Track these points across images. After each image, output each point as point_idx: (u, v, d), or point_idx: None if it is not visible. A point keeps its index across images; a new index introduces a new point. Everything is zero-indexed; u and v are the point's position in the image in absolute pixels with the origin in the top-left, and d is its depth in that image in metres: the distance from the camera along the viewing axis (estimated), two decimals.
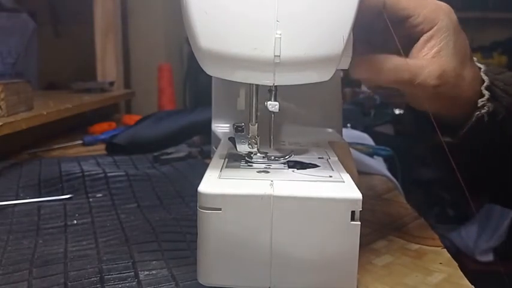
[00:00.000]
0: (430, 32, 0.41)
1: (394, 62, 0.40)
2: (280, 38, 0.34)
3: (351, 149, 0.54)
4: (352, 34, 0.36)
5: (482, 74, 0.44)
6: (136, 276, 0.38)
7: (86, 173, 0.64)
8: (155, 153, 0.77)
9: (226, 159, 0.42)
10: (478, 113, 0.43)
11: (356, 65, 0.40)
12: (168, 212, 0.53)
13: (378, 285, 0.38)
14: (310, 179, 0.37)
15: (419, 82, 0.39)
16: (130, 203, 0.56)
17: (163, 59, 1.58)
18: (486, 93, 0.43)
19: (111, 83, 1.30)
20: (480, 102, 0.43)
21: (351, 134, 0.97)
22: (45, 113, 0.80)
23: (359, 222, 0.33)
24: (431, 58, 0.40)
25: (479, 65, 0.45)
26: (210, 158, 0.48)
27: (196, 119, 0.89)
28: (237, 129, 0.40)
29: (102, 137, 0.95)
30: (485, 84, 0.43)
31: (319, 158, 0.43)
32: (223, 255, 0.34)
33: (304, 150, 0.46)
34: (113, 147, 0.83)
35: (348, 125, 1.17)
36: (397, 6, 0.41)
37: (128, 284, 0.36)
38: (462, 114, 0.43)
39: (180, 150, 0.79)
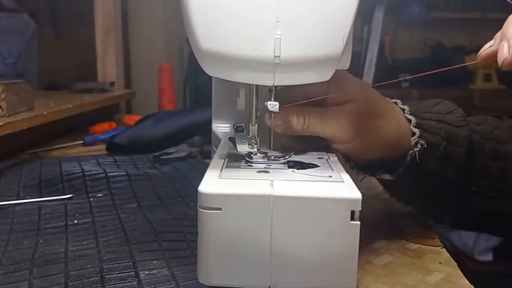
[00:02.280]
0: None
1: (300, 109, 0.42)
2: (280, 38, 0.34)
3: None
4: (351, 34, 0.36)
5: (406, 115, 0.47)
6: (137, 275, 0.38)
7: (86, 173, 0.64)
8: (155, 153, 0.77)
9: (227, 159, 0.42)
10: (412, 151, 0.45)
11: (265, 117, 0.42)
12: (169, 212, 0.53)
13: (377, 285, 0.38)
14: (310, 179, 0.37)
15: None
16: (131, 203, 0.56)
17: (164, 60, 1.58)
18: (416, 130, 0.46)
19: (112, 83, 1.31)
20: (412, 140, 0.45)
21: None
22: (45, 113, 0.81)
23: (359, 222, 0.33)
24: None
25: (402, 106, 0.48)
26: (210, 158, 0.49)
27: (197, 119, 0.89)
28: (237, 129, 0.40)
29: (103, 137, 0.95)
30: (413, 122, 0.46)
31: (318, 158, 0.43)
32: (224, 255, 0.34)
33: (303, 150, 0.46)
34: (114, 147, 0.83)
35: None
36: None
37: (128, 284, 0.37)
38: (392, 154, 0.46)
39: (181, 150, 0.79)
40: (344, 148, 0.44)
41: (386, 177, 0.46)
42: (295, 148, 0.44)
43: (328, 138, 0.44)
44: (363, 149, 0.44)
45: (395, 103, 0.48)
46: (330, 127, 0.42)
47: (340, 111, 0.43)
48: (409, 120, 0.46)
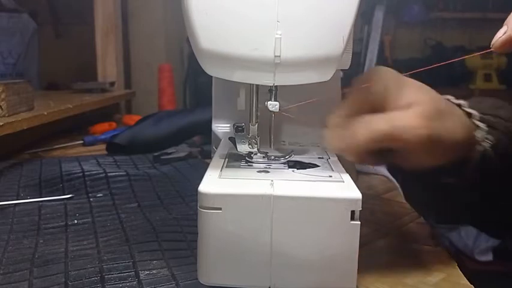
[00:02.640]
0: None
1: (365, 117, 0.37)
2: (280, 38, 0.34)
3: None
4: (352, 34, 0.36)
5: (466, 108, 0.42)
6: (137, 275, 0.38)
7: (86, 173, 0.64)
8: (155, 153, 0.77)
9: (227, 159, 0.42)
10: (480, 146, 0.40)
11: (330, 138, 0.38)
12: (169, 212, 0.53)
13: (377, 285, 0.38)
14: (310, 178, 0.37)
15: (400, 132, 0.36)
16: (131, 203, 0.56)
17: (164, 59, 1.58)
18: (482, 125, 0.40)
19: (112, 83, 1.31)
20: (481, 137, 0.40)
21: None
22: (45, 113, 0.80)
23: (359, 222, 0.33)
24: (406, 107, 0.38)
25: (457, 101, 0.43)
26: (210, 157, 0.49)
27: (197, 119, 0.89)
28: (237, 129, 0.40)
29: (103, 137, 0.95)
30: (478, 116, 0.41)
31: (319, 157, 0.43)
32: (224, 255, 0.34)
33: (304, 150, 0.46)
34: (114, 147, 0.83)
35: None
36: None
37: (128, 284, 0.36)
38: (459, 156, 0.40)
39: (181, 150, 0.79)
40: (415, 155, 0.38)
41: (451, 181, 0.41)
42: (378, 164, 0.41)
43: (401, 146, 0.38)
44: (433, 153, 0.39)
45: (448, 99, 0.43)
46: (403, 133, 0.36)
47: (409, 115, 0.37)
48: (469, 115, 0.41)
